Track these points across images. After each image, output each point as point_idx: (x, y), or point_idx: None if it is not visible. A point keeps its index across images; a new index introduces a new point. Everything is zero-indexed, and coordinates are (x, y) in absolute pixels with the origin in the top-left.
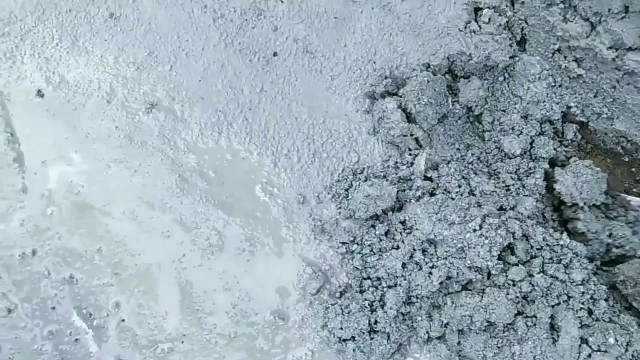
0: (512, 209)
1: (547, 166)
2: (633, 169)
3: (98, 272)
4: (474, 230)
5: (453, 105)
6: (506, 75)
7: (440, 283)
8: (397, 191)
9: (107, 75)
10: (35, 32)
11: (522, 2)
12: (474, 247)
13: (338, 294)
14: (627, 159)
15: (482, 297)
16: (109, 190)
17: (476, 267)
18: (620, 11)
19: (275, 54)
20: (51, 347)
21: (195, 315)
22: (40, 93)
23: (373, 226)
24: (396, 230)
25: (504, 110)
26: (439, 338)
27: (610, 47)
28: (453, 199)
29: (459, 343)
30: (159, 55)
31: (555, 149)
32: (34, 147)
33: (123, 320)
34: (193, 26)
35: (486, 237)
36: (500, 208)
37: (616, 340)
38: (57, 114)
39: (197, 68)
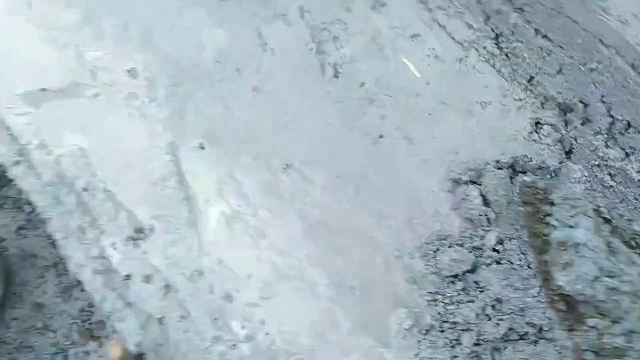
0: None
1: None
2: None
3: (249, 294)
4: (533, 297)
5: (513, 194)
6: (553, 174)
7: (505, 334)
8: (474, 257)
9: (248, 145)
10: (195, 96)
11: (575, 127)
12: (532, 309)
13: (424, 332)
14: (638, 252)
15: (535, 346)
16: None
17: (532, 323)
18: None
19: (381, 136)
20: (215, 349)
21: (322, 334)
22: (202, 146)
23: (452, 282)
24: (470, 287)
25: None
26: None
27: (638, 172)
28: (515, 269)
29: None
30: (290, 124)
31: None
32: (200, 188)
33: (268, 333)
34: (318, 105)
35: (542, 302)
36: None
37: None
38: (217, 163)
39: (319, 140)
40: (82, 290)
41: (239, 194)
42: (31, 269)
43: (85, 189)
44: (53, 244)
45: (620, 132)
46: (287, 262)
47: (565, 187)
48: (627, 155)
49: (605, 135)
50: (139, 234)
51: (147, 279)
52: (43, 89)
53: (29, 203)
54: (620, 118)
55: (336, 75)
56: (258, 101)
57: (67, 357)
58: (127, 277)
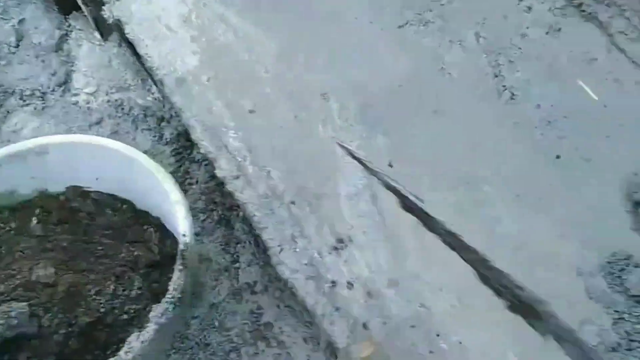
0: None
1: None
2: None
3: (442, 304)
4: None
5: None
6: None
7: None
8: None
9: (437, 156)
10: (365, 119)
11: None
12: None
13: (610, 349)
14: None
15: None
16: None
17: None
18: None
19: (558, 157)
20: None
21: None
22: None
23: (638, 302)
24: None
25: None
26: None
27: None
28: None
29: None
30: (473, 146)
31: None
32: None
33: (460, 342)
34: (495, 128)
35: None
36: None
37: None
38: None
39: (500, 159)
40: (252, 292)
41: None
42: (206, 272)
43: (292, 202)
44: (224, 249)
45: None
46: (476, 275)
47: None
48: None
49: None
50: (340, 243)
51: (350, 285)
52: (251, 111)
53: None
54: None
55: (512, 97)
56: (438, 123)
57: (240, 356)
58: (333, 283)
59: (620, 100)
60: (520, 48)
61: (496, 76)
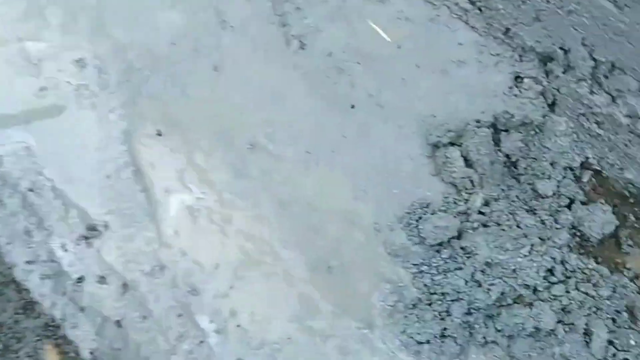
0: (549, 239)
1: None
2: (636, 209)
3: (217, 285)
4: (525, 256)
5: (497, 153)
6: (537, 130)
7: (497, 299)
8: (460, 222)
9: (215, 118)
10: (151, 80)
11: (557, 76)
12: (524, 269)
13: (411, 306)
14: (632, 201)
15: (531, 308)
16: (223, 215)
17: (526, 284)
18: (637, 89)
19: (352, 106)
20: (180, 348)
21: (303, 323)
22: (159, 132)
23: (438, 251)
24: (458, 254)
25: (534, 158)
26: (493, 342)
27: (627, 116)
28: (504, 230)
29: (508, 346)
30: (256, 103)
31: (576, 191)
32: (157, 178)
33: (238, 325)
34: (285, 79)
35: (534, 262)
36: (540, 238)
37: (635, 342)
38: (175, 150)
39: (289, 115)
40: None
41: (201, 180)
42: None
43: (30, 189)
44: None
45: (604, 76)
46: (258, 247)
47: (551, 142)
48: (614, 99)
49: (589, 81)
50: (91, 231)
51: (102, 279)
52: None
53: None
54: (603, 60)
55: (302, 47)
56: (219, 81)
57: None
58: (80, 279)
59: (413, 40)
60: None
61: (284, 25)
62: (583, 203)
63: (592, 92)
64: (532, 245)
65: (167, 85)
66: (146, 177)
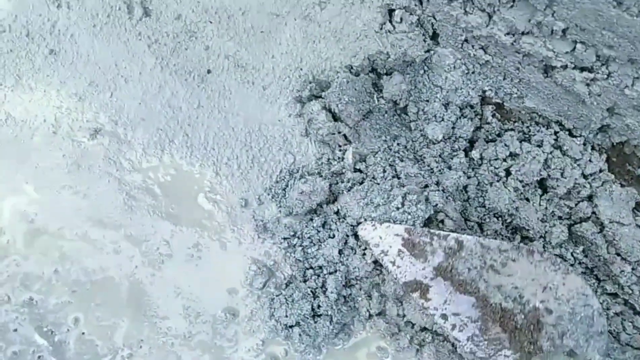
0: (437, 184)
1: (467, 144)
2: None
3: (56, 292)
4: (397, 208)
5: (378, 100)
6: (425, 68)
7: (375, 262)
8: (330, 185)
9: (52, 108)
10: None
11: (428, 0)
12: (399, 223)
13: (284, 286)
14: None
15: None
16: (61, 215)
17: None
18: (508, 1)
19: (209, 71)
20: None
21: (151, 320)
22: None
23: (311, 219)
24: (332, 220)
25: (427, 101)
26: (378, 314)
27: (507, 34)
28: (378, 184)
29: (398, 315)
30: (100, 84)
31: (474, 130)
32: None
33: (83, 333)
34: (129, 53)
35: (409, 213)
36: (425, 186)
37: None
38: (6, 149)
39: (136, 92)
40: None
41: (36, 177)
42: None
43: None
44: None
45: None
46: (103, 244)
47: (442, 79)
48: (490, 16)
49: (460, 0)
50: None
51: None
52: None
53: None
54: None
55: (147, 13)
56: (57, 66)
57: None
58: None
59: None
60: None
61: None
62: (488, 141)
63: (466, 13)
64: (405, 194)
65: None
66: None
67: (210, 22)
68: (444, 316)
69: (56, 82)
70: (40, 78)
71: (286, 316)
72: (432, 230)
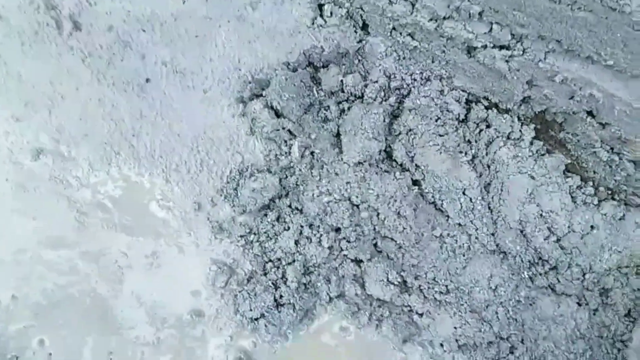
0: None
1: None
2: None
3: (16, 318)
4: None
5: (318, 93)
6: (359, 57)
7: (330, 247)
8: (280, 179)
9: None
10: None
11: None
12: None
13: (246, 281)
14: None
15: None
16: (13, 240)
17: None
18: None
19: (148, 80)
20: None
21: (118, 332)
22: None
23: (265, 215)
24: (286, 214)
25: (366, 86)
26: (338, 297)
27: (430, 19)
28: (329, 172)
29: (356, 294)
30: (36, 104)
31: None
32: None
33: (50, 354)
34: (63, 69)
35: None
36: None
37: None
38: None
39: (76, 108)
40: None
41: None
42: None
43: None
44: None
45: None
46: (59, 263)
47: (377, 68)
48: (413, 4)
49: None
50: None
51: None
52: None
53: None
54: None
55: (77, 27)
56: None
57: None
58: None
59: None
60: None
61: (52, 8)
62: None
63: (391, 2)
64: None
65: None
66: None
67: (144, 31)
68: None
69: None
70: None
71: (250, 310)
72: None
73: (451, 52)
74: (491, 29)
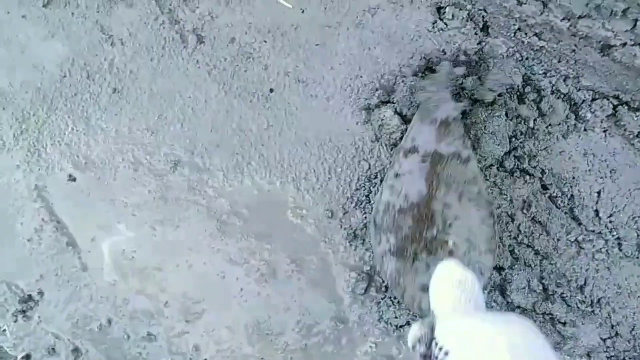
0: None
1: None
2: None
3: (171, 324)
4: None
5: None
6: (478, 60)
7: None
8: None
9: (127, 146)
10: (50, 123)
11: None
12: None
13: (384, 288)
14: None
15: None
16: (159, 249)
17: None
18: None
19: (271, 90)
20: None
21: (267, 338)
22: (72, 178)
23: None
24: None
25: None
26: None
27: (564, 19)
28: None
29: (495, 301)
30: (168, 116)
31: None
32: (81, 227)
33: (206, 359)
34: (191, 82)
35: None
36: None
37: None
38: (92, 193)
39: (206, 119)
40: None
41: (127, 218)
42: None
43: None
44: None
45: None
46: (206, 271)
47: (497, 69)
48: (545, 4)
49: None
50: (26, 303)
51: (51, 350)
52: None
53: None
54: None
55: (200, 41)
56: (122, 104)
57: None
58: (27, 357)
59: (315, 2)
60: None
61: (175, 23)
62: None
63: (520, 3)
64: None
65: (69, 122)
66: (69, 229)
67: (265, 42)
68: None
69: (125, 120)
70: (109, 118)
71: (395, 317)
72: None
73: (582, 51)
74: (634, 25)
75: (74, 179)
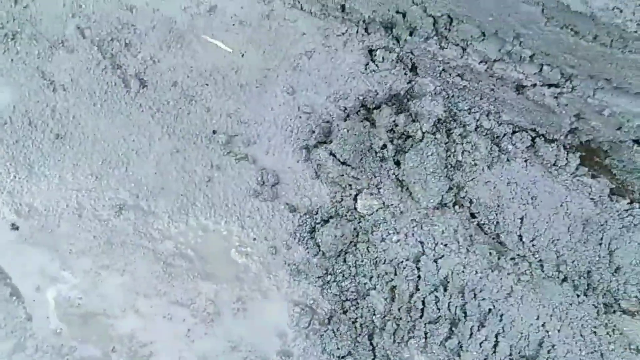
0: None
1: None
2: None
3: None
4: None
5: (372, 138)
6: (408, 97)
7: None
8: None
9: (71, 192)
10: None
11: (405, 40)
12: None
13: (327, 320)
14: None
15: None
16: (105, 294)
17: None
18: (480, 36)
19: (214, 132)
20: None
21: None
22: (14, 226)
23: (339, 255)
24: (361, 254)
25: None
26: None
27: (481, 62)
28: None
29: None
30: (112, 160)
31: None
32: (25, 277)
33: None
34: (135, 126)
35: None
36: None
37: None
38: (36, 241)
39: (150, 162)
40: None
41: (72, 262)
42: None
43: None
44: None
45: (446, 29)
46: (153, 314)
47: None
48: (464, 49)
49: (435, 37)
50: None
51: None
52: None
53: None
54: (439, 14)
55: (143, 85)
56: (65, 149)
57: None
58: None
59: (255, 43)
60: (133, 25)
61: (118, 67)
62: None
63: (442, 47)
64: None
65: (11, 170)
66: (12, 279)
67: (207, 85)
68: None
69: (69, 166)
70: (52, 164)
71: (338, 348)
72: None
73: (500, 90)
74: (541, 69)
75: (17, 228)
